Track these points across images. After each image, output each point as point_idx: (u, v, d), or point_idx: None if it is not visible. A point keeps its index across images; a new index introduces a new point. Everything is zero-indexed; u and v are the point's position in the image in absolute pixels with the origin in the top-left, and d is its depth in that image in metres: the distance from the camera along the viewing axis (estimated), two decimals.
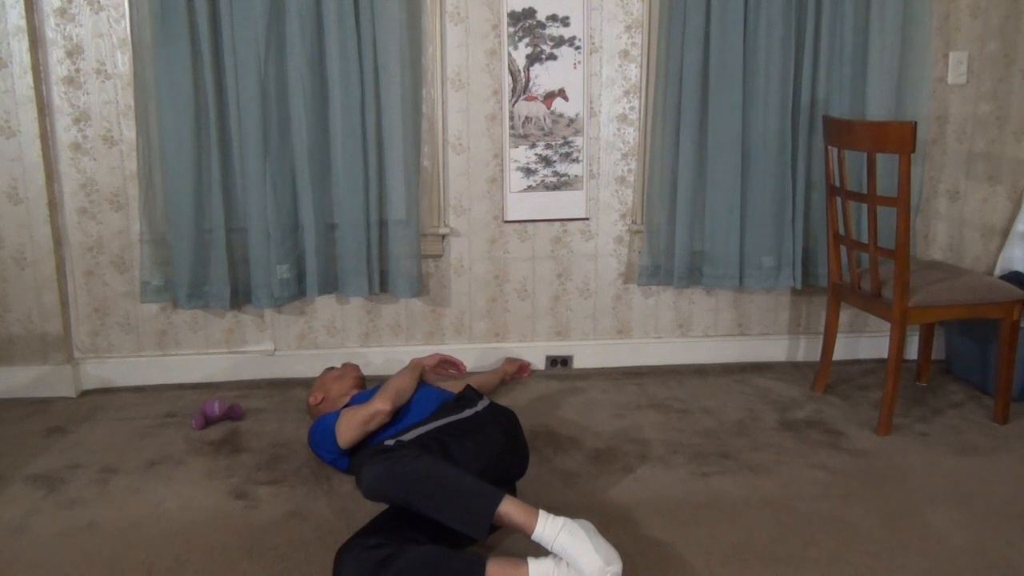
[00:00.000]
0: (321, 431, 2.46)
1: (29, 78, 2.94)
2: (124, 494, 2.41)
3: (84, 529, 2.23)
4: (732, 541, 2.17)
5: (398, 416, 2.44)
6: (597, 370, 3.43)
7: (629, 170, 3.32)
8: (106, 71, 3.02)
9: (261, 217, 3.04)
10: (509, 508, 1.90)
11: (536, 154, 3.24)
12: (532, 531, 1.88)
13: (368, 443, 2.39)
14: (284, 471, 2.55)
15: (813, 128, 3.23)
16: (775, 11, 3.09)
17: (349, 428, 2.38)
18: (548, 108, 3.21)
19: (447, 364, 2.88)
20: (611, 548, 1.85)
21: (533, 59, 3.17)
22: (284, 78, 2.99)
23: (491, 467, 2.16)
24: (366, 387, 2.83)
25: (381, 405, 2.36)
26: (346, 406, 2.57)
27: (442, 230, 3.26)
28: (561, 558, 1.85)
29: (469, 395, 2.43)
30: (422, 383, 2.63)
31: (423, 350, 3.34)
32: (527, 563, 1.87)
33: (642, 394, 3.17)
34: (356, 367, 2.88)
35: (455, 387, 2.78)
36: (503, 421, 2.31)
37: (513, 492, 2.30)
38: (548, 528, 1.87)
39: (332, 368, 2.90)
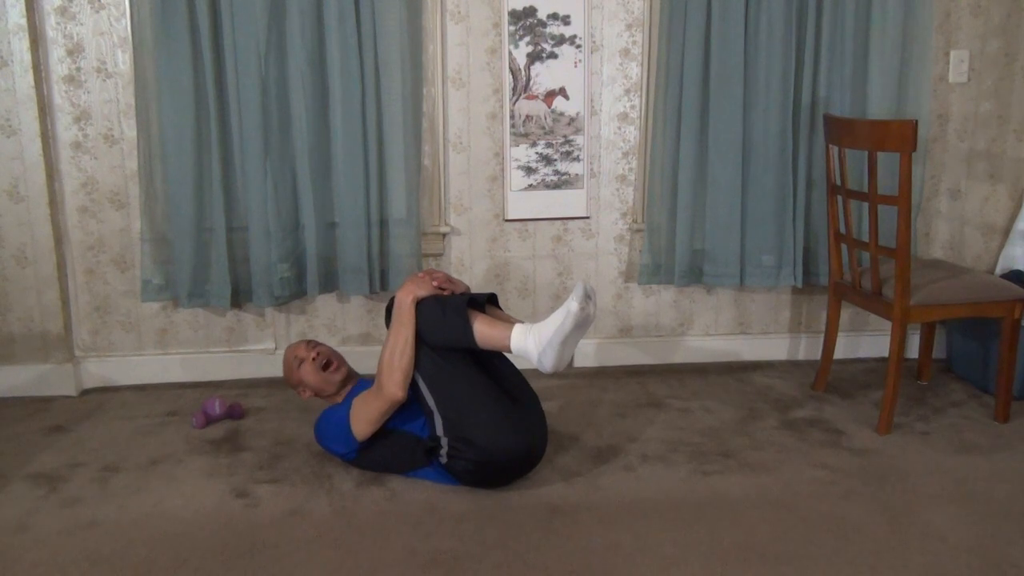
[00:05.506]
0: (334, 425, 2.45)
1: (30, 77, 2.94)
2: (125, 493, 2.42)
3: (85, 528, 2.23)
4: (733, 540, 2.17)
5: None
6: (598, 369, 3.42)
7: (630, 169, 3.31)
8: (107, 70, 3.02)
9: (262, 216, 3.04)
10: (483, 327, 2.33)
11: (537, 153, 3.24)
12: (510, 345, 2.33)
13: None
14: (285, 470, 2.55)
15: (814, 127, 3.23)
16: (776, 10, 3.08)
17: (368, 423, 2.38)
18: (549, 107, 3.21)
19: (446, 282, 2.50)
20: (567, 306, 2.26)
21: (534, 57, 3.17)
22: (285, 77, 2.99)
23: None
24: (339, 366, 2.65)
25: (395, 391, 2.32)
26: (351, 395, 2.53)
27: (443, 229, 3.26)
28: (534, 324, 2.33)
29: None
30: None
31: None
32: (512, 327, 2.34)
33: (643, 393, 3.17)
34: (312, 343, 2.64)
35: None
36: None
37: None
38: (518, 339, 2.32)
39: (295, 355, 2.61)
